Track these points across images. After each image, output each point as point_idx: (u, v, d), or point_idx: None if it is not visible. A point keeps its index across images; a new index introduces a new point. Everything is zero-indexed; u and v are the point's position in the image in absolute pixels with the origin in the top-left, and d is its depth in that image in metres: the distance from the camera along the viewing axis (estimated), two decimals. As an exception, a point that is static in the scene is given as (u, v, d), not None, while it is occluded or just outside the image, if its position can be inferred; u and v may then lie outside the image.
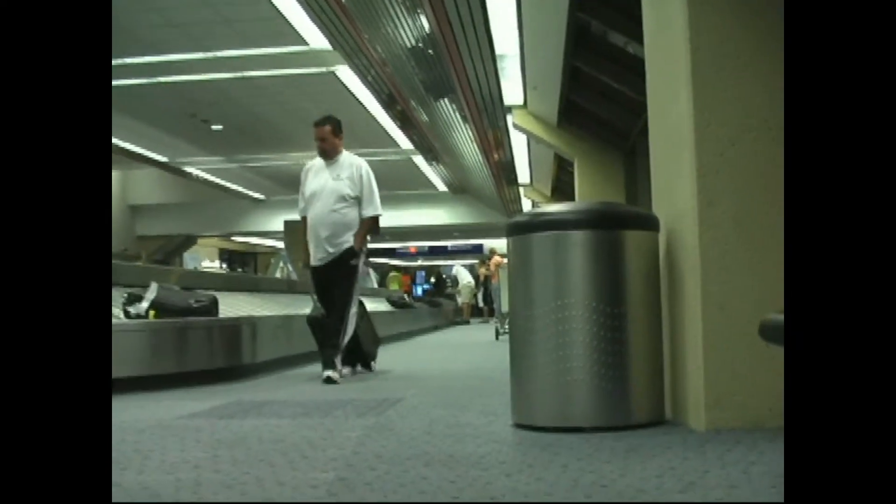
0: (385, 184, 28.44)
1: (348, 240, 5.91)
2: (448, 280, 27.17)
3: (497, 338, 11.52)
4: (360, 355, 6.44)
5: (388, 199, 26.91)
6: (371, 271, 20.16)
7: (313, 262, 5.93)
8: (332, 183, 5.94)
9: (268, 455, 2.81)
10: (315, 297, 6.04)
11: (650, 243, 3.32)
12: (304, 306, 9.50)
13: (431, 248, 37.43)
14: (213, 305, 6.07)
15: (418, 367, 7.22)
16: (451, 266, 27.89)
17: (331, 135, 6.01)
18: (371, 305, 12.39)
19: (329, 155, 6.02)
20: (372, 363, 6.64)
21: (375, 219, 6.07)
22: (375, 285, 19.62)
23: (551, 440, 2.97)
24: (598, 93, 11.11)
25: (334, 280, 5.86)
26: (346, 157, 6.11)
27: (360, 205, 5.98)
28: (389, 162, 20.74)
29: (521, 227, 3.38)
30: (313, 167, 6.10)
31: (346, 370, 6.07)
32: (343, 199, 5.91)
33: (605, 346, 3.15)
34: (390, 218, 25.27)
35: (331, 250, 5.87)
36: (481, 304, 23.04)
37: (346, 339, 5.88)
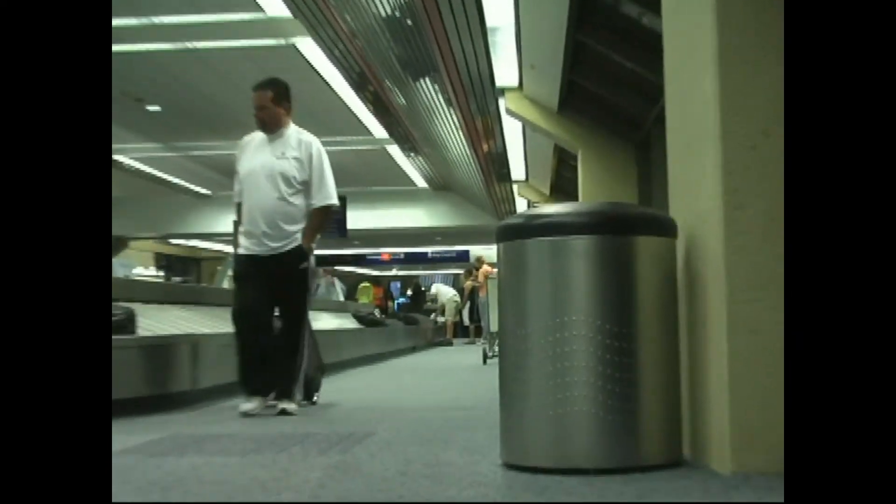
0: (355, 178, 28.37)
1: (294, 237, 5.61)
2: (427, 294, 27.29)
3: (485, 362, 11.54)
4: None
5: (358, 197, 26.92)
6: (337, 282, 20.14)
7: (243, 250, 5.61)
8: (274, 162, 5.64)
9: (210, 500, 2.79)
10: (236, 296, 5.62)
11: (666, 251, 3.33)
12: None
13: (408, 254, 37.50)
14: (127, 321, 5.92)
15: (391, 395, 7.23)
16: (433, 277, 27.97)
17: (272, 102, 5.71)
18: (334, 322, 12.57)
19: (270, 127, 5.71)
20: (315, 394, 6.28)
21: (328, 210, 5.78)
22: (342, 298, 19.61)
23: (547, 483, 2.96)
24: (607, 73, 11.16)
25: (278, 287, 5.54)
26: (295, 132, 5.82)
27: (309, 192, 5.66)
28: (360, 153, 20.76)
29: (514, 231, 3.40)
30: (252, 142, 5.81)
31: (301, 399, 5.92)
32: (288, 182, 5.61)
33: (612, 372, 3.15)
34: (360, 219, 25.69)
35: (272, 245, 5.56)
36: (467, 321, 23.10)
37: (304, 362, 5.73)
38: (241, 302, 5.54)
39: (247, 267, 5.59)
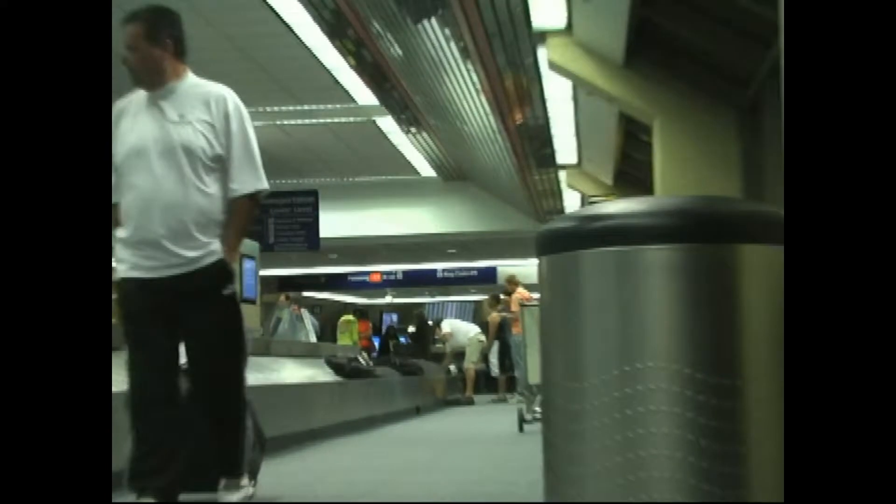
0: (331, 166, 28.68)
1: (211, 246, 5.20)
2: (436, 333, 27.19)
3: (521, 428, 11.66)
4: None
5: (337, 193, 27.38)
6: (306, 314, 20.19)
7: (128, 272, 5.19)
8: (170, 130, 5.20)
9: None
10: (132, 354, 5.16)
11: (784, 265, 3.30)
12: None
13: (409, 274, 37.52)
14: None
15: (385, 482, 7.23)
16: (443, 307, 27.92)
17: (145, 41, 5.20)
18: (301, 373, 12.60)
19: (148, 80, 5.25)
20: (251, 483, 5.70)
21: (257, 199, 5.45)
22: (313, 338, 19.65)
23: None
24: (696, 7, 11.17)
25: (193, 327, 5.21)
26: (194, 83, 5.40)
27: (228, 172, 5.28)
28: (339, 128, 20.80)
29: (563, 239, 3.39)
30: (129, 106, 5.34)
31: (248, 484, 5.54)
32: (195, 159, 5.17)
33: (709, 444, 3.14)
34: (339, 223, 25.83)
35: (178, 259, 5.14)
36: (495, 370, 23.15)
37: (248, 435, 5.48)
38: (141, 374, 5.10)
39: (140, 301, 5.15)
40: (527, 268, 26.80)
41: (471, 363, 22.96)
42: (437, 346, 27.04)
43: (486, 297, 24.22)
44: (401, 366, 17.73)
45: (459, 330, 24.64)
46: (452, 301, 44.21)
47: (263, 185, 5.37)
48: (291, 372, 11.91)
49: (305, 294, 37.30)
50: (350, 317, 27.00)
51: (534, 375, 11.60)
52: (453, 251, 33.21)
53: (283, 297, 22.42)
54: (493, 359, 23.09)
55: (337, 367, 13.58)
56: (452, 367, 23.60)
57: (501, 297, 20.87)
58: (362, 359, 15.21)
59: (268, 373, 11.62)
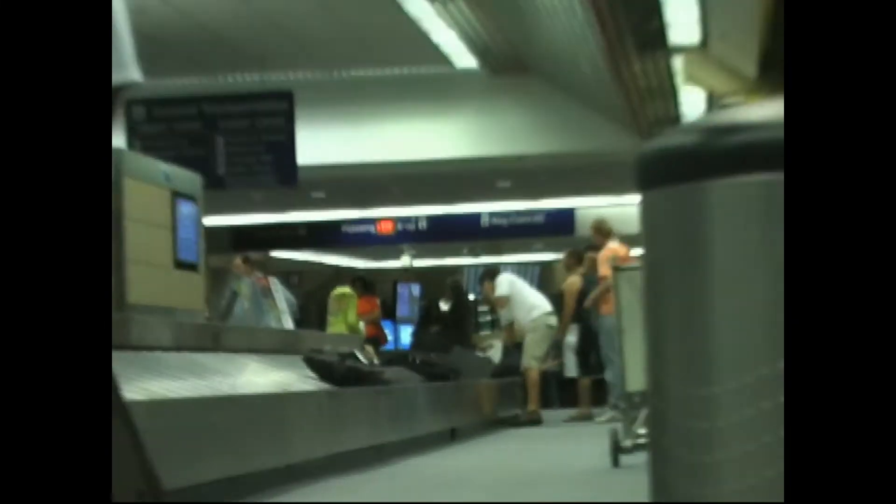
0: (314, 50, 28.94)
1: None
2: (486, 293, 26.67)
3: (616, 461, 11.76)
4: None
5: (324, 92, 27.90)
6: (277, 285, 20.22)
7: None
8: None
9: None
10: None
11: None
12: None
13: (437, 221, 37.02)
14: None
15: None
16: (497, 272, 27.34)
17: None
18: (267, 378, 12.50)
19: None
20: None
21: None
22: (288, 321, 19.69)
23: None
24: None
25: None
26: None
27: None
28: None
29: (682, 165, 3.39)
30: None
31: None
32: None
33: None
34: (328, 144, 25.61)
35: None
36: (573, 369, 23.16)
37: None
38: None
39: None
40: (623, 210, 26.72)
41: (533, 360, 22.63)
42: (484, 318, 26.97)
43: (563, 256, 24.17)
44: (423, 366, 17.43)
45: (522, 299, 23.67)
46: (506, 263, 43.55)
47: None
48: (254, 376, 11.97)
49: (276, 255, 37.34)
50: (346, 289, 26.67)
51: (635, 378, 11.54)
52: (506, 185, 33.11)
53: (239, 261, 22.20)
54: (569, 352, 23.05)
55: (322, 369, 13.42)
56: (494, 348, 23.50)
57: (585, 256, 20.95)
58: (362, 356, 14.93)
59: (216, 377, 11.66)
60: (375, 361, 15.59)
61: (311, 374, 13.57)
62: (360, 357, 14.64)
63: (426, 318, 29.48)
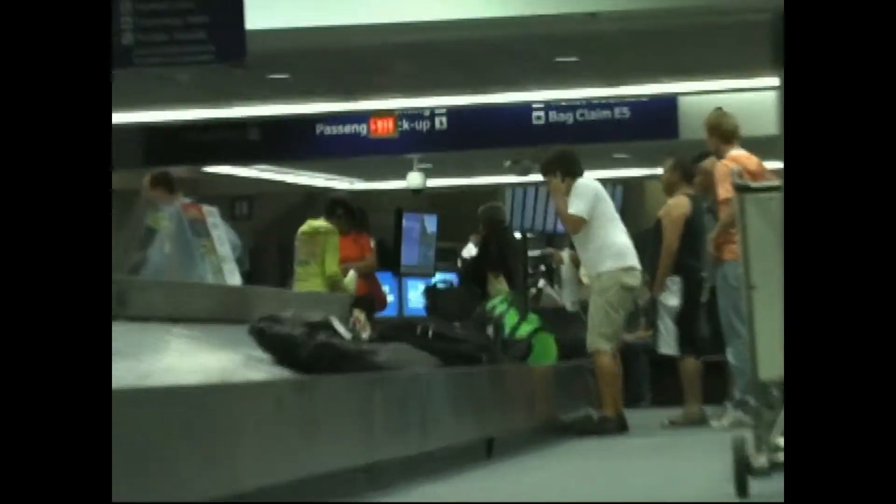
0: None
1: None
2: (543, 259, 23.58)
3: (744, 487, 9.43)
4: None
5: None
6: (218, 223, 16.70)
7: None
8: None
9: None
10: None
11: None
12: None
13: (463, 115, 29.83)
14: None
15: None
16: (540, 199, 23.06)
17: None
18: (198, 360, 10.37)
19: None
20: None
21: None
22: (235, 277, 16.40)
23: None
24: None
25: None
26: None
27: None
28: None
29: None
30: None
31: None
32: None
33: None
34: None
35: None
36: (670, 343, 17.74)
37: None
38: None
39: None
40: (752, 99, 23.28)
41: (601, 338, 15.77)
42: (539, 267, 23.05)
43: (657, 170, 20.23)
44: (441, 342, 12.99)
45: (600, 233, 15.49)
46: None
47: None
48: (177, 359, 10.12)
49: (213, 171, 31.88)
50: (322, 223, 21.74)
51: (772, 361, 9.50)
52: (571, 59, 25.92)
53: (155, 180, 18.05)
54: (666, 316, 16.28)
55: (282, 347, 11.12)
56: (571, 301, 20.81)
57: (702, 165, 15.22)
58: (343, 326, 12.21)
59: (118, 362, 9.31)
60: (365, 335, 12.42)
61: (263, 353, 10.59)
62: (340, 328, 11.23)
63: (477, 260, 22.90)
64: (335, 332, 11.16)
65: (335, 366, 10.46)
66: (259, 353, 10.45)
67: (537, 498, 10.61)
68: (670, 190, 16.01)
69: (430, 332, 12.87)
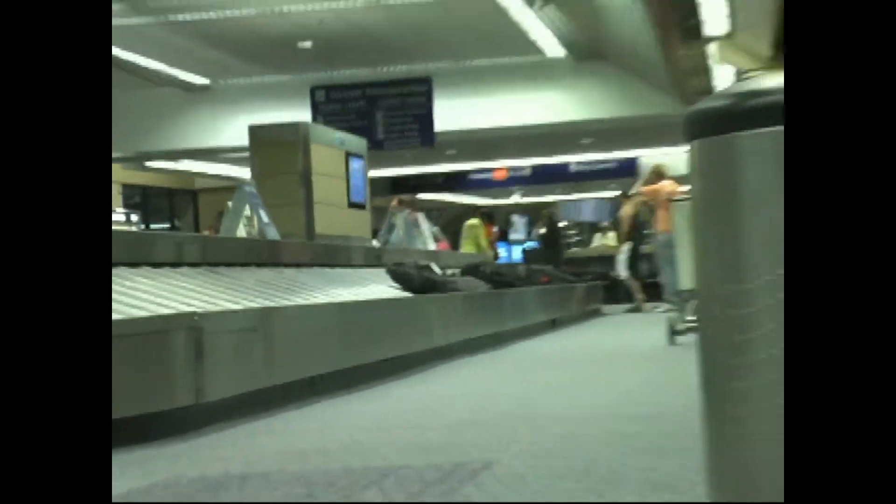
0: (444, 48, 28.94)
1: None
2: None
3: (672, 339, 11.61)
4: None
5: (453, 79, 27.62)
6: (423, 220, 20.23)
7: None
8: None
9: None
10: None
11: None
12: (297, 289, 9.62)
13: (538, 169, 37.36)
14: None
15: (517, 402, 7.27)
16: (578, 206, 27.56)
17: None
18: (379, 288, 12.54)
19: None
20: None
21: None
22: (433, 245, 19.68)
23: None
24: None
25: None
26: None
27: None
28: (452, 2, 20.75)
29: (717, 121, 3.35)
30: None
31: None
32: None
33: (892, 349, 3.09)
34: (457, 114, 25.78)
35: None
36: (622, 272, 23.06)
37: None
38: None
39: None
40: (674, 157, 26.61)
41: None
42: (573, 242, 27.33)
43: (633, 191, 24.09)
44: (493, 276, 15.73)
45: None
46: (588, 199, 43.86)
47: None
48: (379, 284, 11.83)
49: (421, 196, 37.28)
50: (475, 221, 26.37)
51: (686, 279, 11.44)
52: (588, 141, 33.01)
53: (396, 202, 22.36)
54: (623, 258, 23.20)
55: (404, 279, 12.35)
56: (624, 272, 23.17)
57: (634, 190, 21.08)
58: (436, 267, 13.78)
59: (381, 286, 11.67)
60: (449, 273, 14.39)
61: (393, 284, 12.28)
62: (436, 269, 13.44)
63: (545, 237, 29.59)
64: (432, 270, 13.10)
65: (432, 289, 12.15)
66: (387, 284, 12.14)
67: (578, 343, 14.05)
68: (625, 203, 22.66)
69: (488, 271, 15.73)
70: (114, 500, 3.86)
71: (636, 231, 22.27)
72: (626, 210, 22.63)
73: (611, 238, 30.71)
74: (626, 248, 22.75)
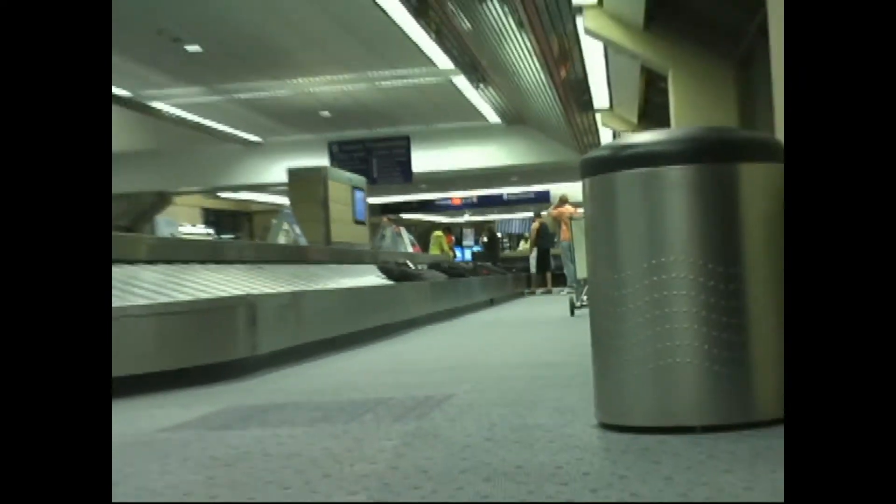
0: (419, 116, 28.72)
1: None
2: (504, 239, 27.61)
3: (573, 312, 11.57)
4: None
5: (424, 136, 27.28)
6: (405, 232, 20.20)
7: None
8: None
9: (278, 475, 2.83)
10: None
11: (774, 179, 3.23)
12: (318, 279, 9.60)
13: (482, 198, 37.54)
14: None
15: (467, 354, 7.26)
16: (508, 223, 27.91)
17: None
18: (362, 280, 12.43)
19: None
20: None
21: None
22: (409, 249, 19.66)
23: (649, 443, 2.96)
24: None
25: None
26: None
27: None
28: (423, 87, 20.76)
29: (601, 164, 3.37)
30: None
31: None
32: None
33: (718, 317, 3.12)
34: (427, 160, 25.80)
35: None
36: (532, 268, 23.04)
37: None
38: None
39: None
40: (573, 189, 26.64)
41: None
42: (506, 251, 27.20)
43: (543, 213, 24.06)
44: (449, 269, 15.64)
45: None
46: (515, 218, 44.15)
47: None
48: (365, 276, 11.65)
49: (403, 216, 37.22)
50: (440, 232, 26.72)
51: (582, 271, 11.47)
52: (515, 178, 33.12)
53: (385, 219, 22.39)
54: (532, 259, 22.98)
55: (387, 272, 12.28)
56: (532, 268, 23.14)
57: (545, 213, 21.08)
58: (410, 263, 14.11)
59: (371, 277, 11.62)
60: (419, 267, 14.24)
61: (381, 275, 11.97)
62: (410, 264, 13.87)
63: (485, 245, 30.27)
64: (408, 266, 13.26)
65: (406, 278, 11.93)
66: (378, 276, 11.75)
67: (508, 314, 13.04)
68: (535, 221, 22.16)
69: (446, 266, 15.43)
70: (187, 423, 4.04)
71: (541, 240, 22.08)
72: (534, 226, 22.47)
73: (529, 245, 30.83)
74: (534, 252, 22.63)
